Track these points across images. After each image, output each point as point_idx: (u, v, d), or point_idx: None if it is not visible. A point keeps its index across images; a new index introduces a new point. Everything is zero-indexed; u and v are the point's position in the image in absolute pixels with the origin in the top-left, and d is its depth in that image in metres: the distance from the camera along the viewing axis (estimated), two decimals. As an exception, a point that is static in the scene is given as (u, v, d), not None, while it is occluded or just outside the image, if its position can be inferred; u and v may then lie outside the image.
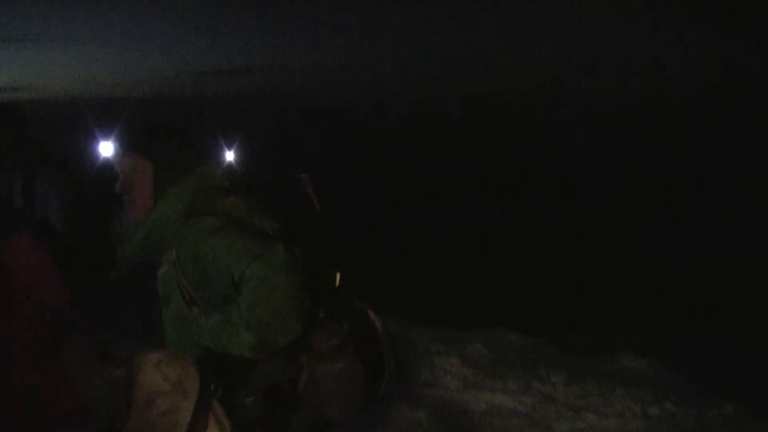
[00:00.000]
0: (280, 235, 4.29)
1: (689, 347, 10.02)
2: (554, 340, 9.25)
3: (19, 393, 4.40)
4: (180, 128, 4.44)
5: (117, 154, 4.31)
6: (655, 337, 10.26)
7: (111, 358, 3.78)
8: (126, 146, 4.41)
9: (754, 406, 7.49)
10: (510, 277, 12.34)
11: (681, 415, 7.19)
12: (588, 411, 7.02)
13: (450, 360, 7.86)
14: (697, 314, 12.25)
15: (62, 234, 5.46)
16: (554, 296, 12.17)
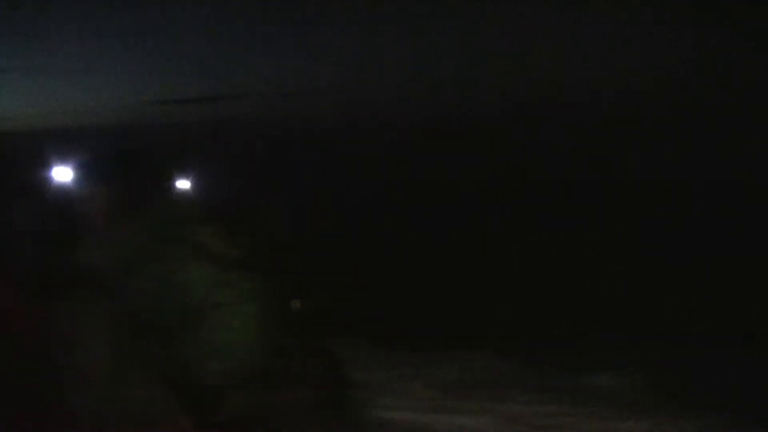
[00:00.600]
0: (247, 264, 4.38)
1: (672, 355, 10.38)
2: (528, 360, 9.56)
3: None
4: (141, 157, 4.48)
5: (78, 182, 4.31)
6: (634, 348, 10.61)
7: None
8: (87, 174, 4.45)
9: (732, 421, 7.76)
10: (491, 285, 12.22)
11: (654, 429, 7.51)
12: (553, 430, 7.30)
13: (415, 383, 8.19)
14: (688, 316, 12.52)
15: (30, 260, 5.48)
16: (540, 305, 12.06)
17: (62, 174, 5.72)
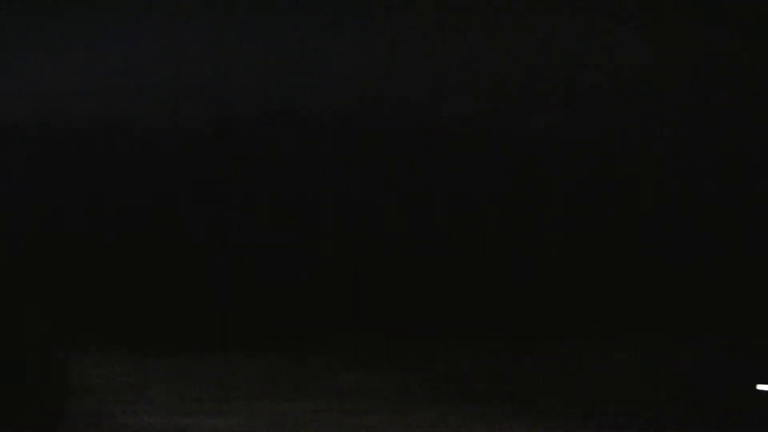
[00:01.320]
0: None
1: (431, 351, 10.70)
2: (283, 360, 9.99)
3: None
4: None
5: None
6: (391, 346, 10.97)
7: None
8: None
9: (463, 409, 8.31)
10: (247, 285, 11.86)
11: (391, 424, 7.91)
12: (303, 427, 7.68)
13: (168, 386, 8.44)
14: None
15: None
16: (297, 306, 11.70)
17: None
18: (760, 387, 9.39)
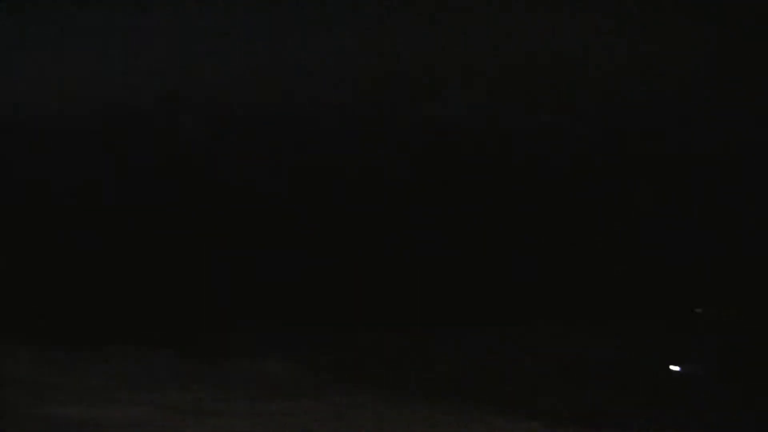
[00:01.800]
0: None
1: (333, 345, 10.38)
2: (186, 351, 9.85)
3: None
4: None
5: None
6: (299, 335, 10.61)
7: None
8: None
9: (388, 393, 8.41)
10: (143, 278, 11.51)
11: (301, 408, 8.02)
12: (212, 415, 7.78)
13: (71, 378, 8.48)
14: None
15: None
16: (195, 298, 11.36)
17: None
18: (672, 367, 9.47)
